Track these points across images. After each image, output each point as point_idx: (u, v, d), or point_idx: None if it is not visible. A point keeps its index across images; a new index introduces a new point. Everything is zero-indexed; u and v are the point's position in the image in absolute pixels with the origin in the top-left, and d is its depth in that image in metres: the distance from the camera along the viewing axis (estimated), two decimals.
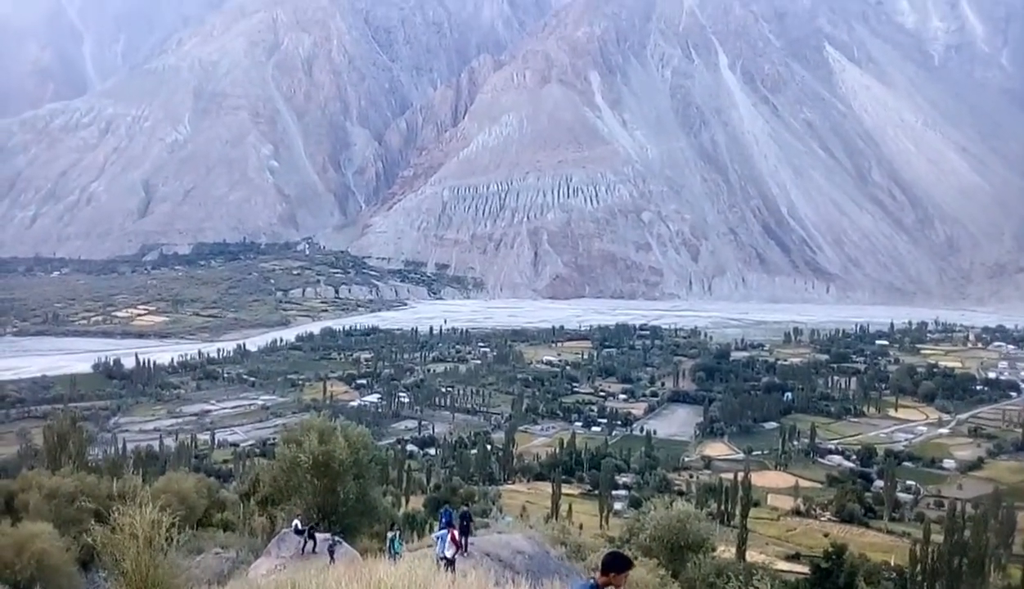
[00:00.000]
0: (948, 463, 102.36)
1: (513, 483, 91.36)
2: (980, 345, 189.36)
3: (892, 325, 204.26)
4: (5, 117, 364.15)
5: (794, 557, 64.00)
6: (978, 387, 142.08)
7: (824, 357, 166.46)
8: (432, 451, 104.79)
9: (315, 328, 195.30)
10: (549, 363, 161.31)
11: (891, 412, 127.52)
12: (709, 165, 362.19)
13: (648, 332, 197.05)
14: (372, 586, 10.73)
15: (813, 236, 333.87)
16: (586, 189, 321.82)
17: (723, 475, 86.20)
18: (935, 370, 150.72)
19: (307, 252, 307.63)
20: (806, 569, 48.63)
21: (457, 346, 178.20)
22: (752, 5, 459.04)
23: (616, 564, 6.68)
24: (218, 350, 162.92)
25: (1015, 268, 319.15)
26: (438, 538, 15.46)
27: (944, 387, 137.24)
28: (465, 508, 19.98)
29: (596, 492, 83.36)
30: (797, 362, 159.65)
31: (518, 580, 13.18)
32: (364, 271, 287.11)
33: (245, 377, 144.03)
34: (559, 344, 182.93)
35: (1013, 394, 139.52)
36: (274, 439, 76.40)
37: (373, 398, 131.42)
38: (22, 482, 24.34)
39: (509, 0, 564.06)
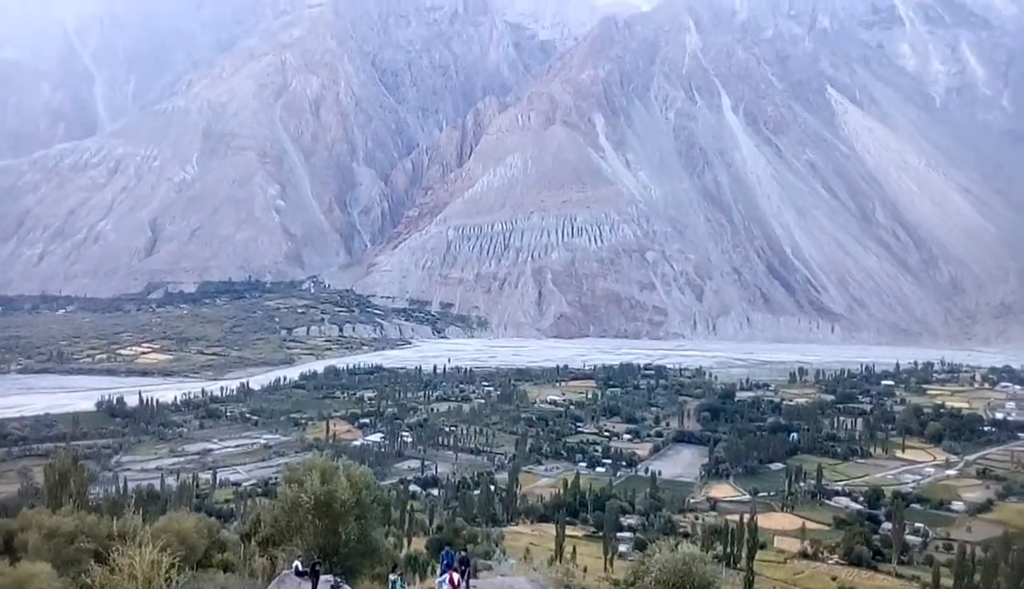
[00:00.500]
0: (957, 505, 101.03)
1: (517, 524, 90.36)
2: (987, 386, 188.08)
3: (898, 365, 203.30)
4: (17, 157, 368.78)
5: None
6: (986, 428, 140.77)
7: (830, 397, 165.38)
8: (435, 491, 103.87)
9: (319, 367, 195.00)
10: (553, 403, 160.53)
11: (898, 453, 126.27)
12: (713, 205, 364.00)
13: (653, 372, 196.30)
14: None
15: (817, 276, 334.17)
16: (590, 229, 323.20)
17: (729, 517, 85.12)
18: (942, 411, 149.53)
19: (312, 291, 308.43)
20: None
21: (461, 385, 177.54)
22: (754, 49, 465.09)
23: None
24: (222, 388, 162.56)
25: (1021, 308, 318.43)
26: (440, 583, 15.39)
27: (951, 428, 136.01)
28: (464, 553, 19.77)
29: (600, 534, 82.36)
30: (803, 402, 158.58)
31: None
32: (369, 310, 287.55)
33: (248, 416, 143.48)
34: (563, 383, 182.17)
35: (1021, 435, 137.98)
36: (276, 478, 75.97)
37: (376, 437, 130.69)
38: (22, 521, 24.14)
39: (514, 44, 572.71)
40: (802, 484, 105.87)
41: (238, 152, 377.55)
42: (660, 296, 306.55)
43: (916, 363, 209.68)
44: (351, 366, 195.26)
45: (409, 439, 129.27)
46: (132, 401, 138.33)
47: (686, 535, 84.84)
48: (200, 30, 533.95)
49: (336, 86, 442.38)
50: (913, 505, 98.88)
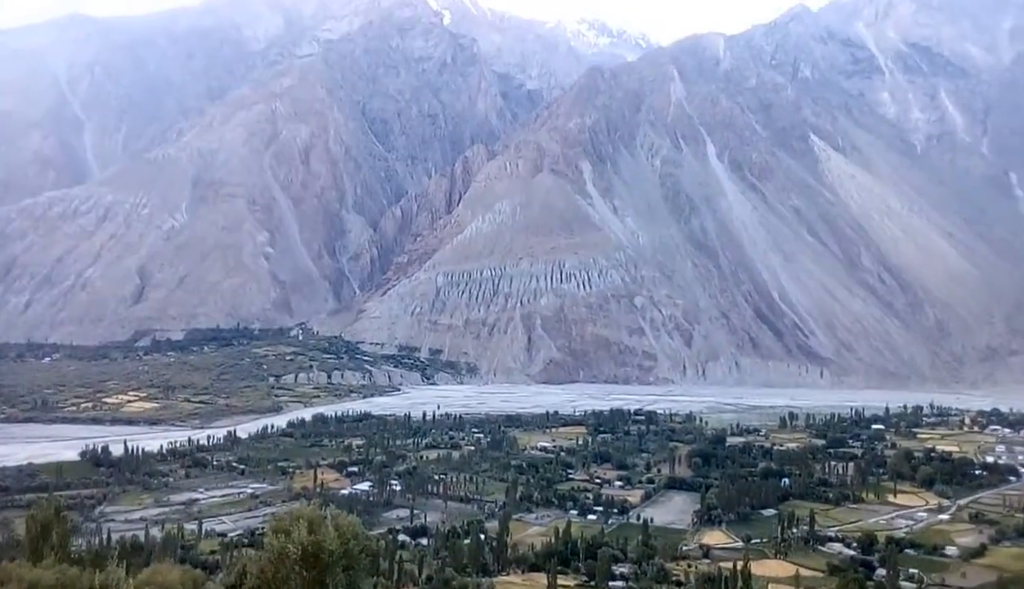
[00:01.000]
0: (950, 550, 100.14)
1: (508, 574, 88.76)
2: (976, 429, 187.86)
3: (887, 409, 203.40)
4: (5, 204, 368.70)
5: None
6: (977, 471, 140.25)
7: (820, 442, 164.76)
8: (424, 541, 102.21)
9: (307, 414, 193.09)
10: (543, 449, 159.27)
11: (890, 497, 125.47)
12: (699, 251, 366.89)
13: (643, 417, 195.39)
14: None
15: (805, 320, 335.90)
16: (579, 274, 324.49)
17: (722, 564, 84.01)
18: (932, 454, 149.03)
19: (300, 338, 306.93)
20: None
21: (450, 432, 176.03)
22: (738, 97, 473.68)
23: None
24: (208, 437, 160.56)
25: (1007, 351, 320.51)
26: None
27: (942, 472, 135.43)
28: None
29: (592, 583, 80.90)
30: (793, 447, 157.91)
31: None
32: (357, 356, 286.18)
33: (235, 465, 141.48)
34: (553, 430, 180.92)
35: (1012, 478, 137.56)
36: (263, 528, 74.68)
37: (364, 486, 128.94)
38: (1, 574, 23.69)
39: (502, 93, 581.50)
40: (795, 530, 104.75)
41: (227, 200, 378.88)
42: (649, 341, 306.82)
43: (905, 407, 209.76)
44: (339, 413, 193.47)
45: (398, 487, 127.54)
46: (117, 450, 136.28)
47: (679, 584, 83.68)
48: (191, 79, 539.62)
49: (326, 134, 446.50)
50: (907, 550, 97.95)
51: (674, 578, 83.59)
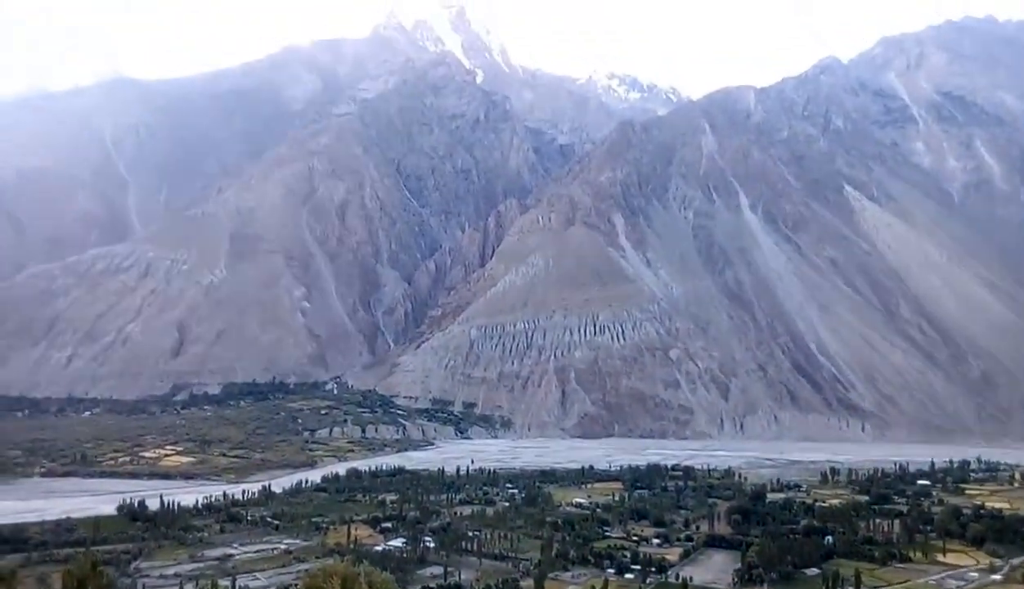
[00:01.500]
0: None
1: None
2: None
3: (933, 464, 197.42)
4: (51, 261, 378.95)
5: None
6: None
7: (864, 498, 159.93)
8: None
9: (341, 469, 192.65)
10: (579, 505, 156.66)
11: (939, 557, 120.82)
12: (734, 303, 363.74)
13: (680, 473, 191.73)
14: None
15: (844, 373, 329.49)
16: (613, 327, 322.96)
17: None
18: (982, 511, 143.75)
19: (335, 392, 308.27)
20: None
21: (484, 487, 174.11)
22: (770, 149, 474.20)
23: None
24: (243, 491, 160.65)
25: None
26: None
27: (993, 530, 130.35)
28: None
29: None
30: (836, 503, 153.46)
31: None
32: (391, 410, 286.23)
33: (269, 520, 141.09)
34: (589, 485, 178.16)
35: None
36: (296, 585, 74.10)
37: (398, 542, 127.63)
38: None
39: (534, 148, 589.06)
40: None
41: (265, 255, 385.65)
42: (685, 394, 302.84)
43: (951, 461, 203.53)
44: (373, 468, 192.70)
45: (432, 544, 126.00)
46: (153, 504, 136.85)
47: None
48: (231, 138, 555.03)
49: (361, 191, 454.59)
50: None
51: None
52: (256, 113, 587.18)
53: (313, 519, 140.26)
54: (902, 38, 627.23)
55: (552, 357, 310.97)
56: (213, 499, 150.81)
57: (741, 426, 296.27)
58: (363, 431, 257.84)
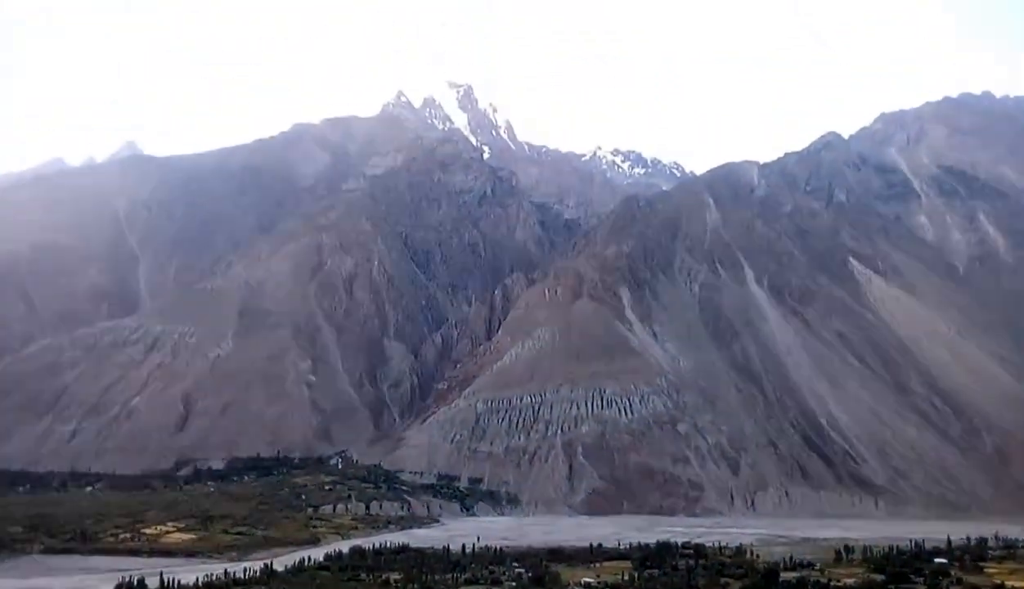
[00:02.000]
0: None
1: None
2: None
3: (949, 541, 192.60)
4: (59, 335, 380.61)
5: None
6: None
7: (880, 577, 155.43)
8: None
9: (344, 546, 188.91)
10: (588, 585, 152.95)
11: None
12: (743, 376, 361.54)
13: (691, 551, 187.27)
14: None
15: (856, 448, 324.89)
16: (620, 401, 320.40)
17: None
18: None
19: (340, 467, 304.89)
20: None
21: (490, 566, 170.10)
22: (774, 223, 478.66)
23: None
24: (245, 569, 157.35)
25: None
26: None
27: None
28: None
29: None
30: (851, 582, 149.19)
31: None
32: (396, 486, 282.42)
33: None
34: (597, 564, 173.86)
35: None
36: None
37: None
38: None
39: (540, 222, 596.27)
40: None
41: (273, 329, 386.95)
42: (695, 470, 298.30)
43: (969, 538, 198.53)
44: (377, 545, 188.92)
45: None
46: (153, 583, 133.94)
47: None
48: (241, 214, 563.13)
49: (369, 265, 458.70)
50: None
51: None
52: (267, 189, 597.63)
53: None
54: (901, 114, 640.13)
55: (559, 431, 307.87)
56: (214, 577, 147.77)
57: (752, 502, 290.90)
58: (367, 507, 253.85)
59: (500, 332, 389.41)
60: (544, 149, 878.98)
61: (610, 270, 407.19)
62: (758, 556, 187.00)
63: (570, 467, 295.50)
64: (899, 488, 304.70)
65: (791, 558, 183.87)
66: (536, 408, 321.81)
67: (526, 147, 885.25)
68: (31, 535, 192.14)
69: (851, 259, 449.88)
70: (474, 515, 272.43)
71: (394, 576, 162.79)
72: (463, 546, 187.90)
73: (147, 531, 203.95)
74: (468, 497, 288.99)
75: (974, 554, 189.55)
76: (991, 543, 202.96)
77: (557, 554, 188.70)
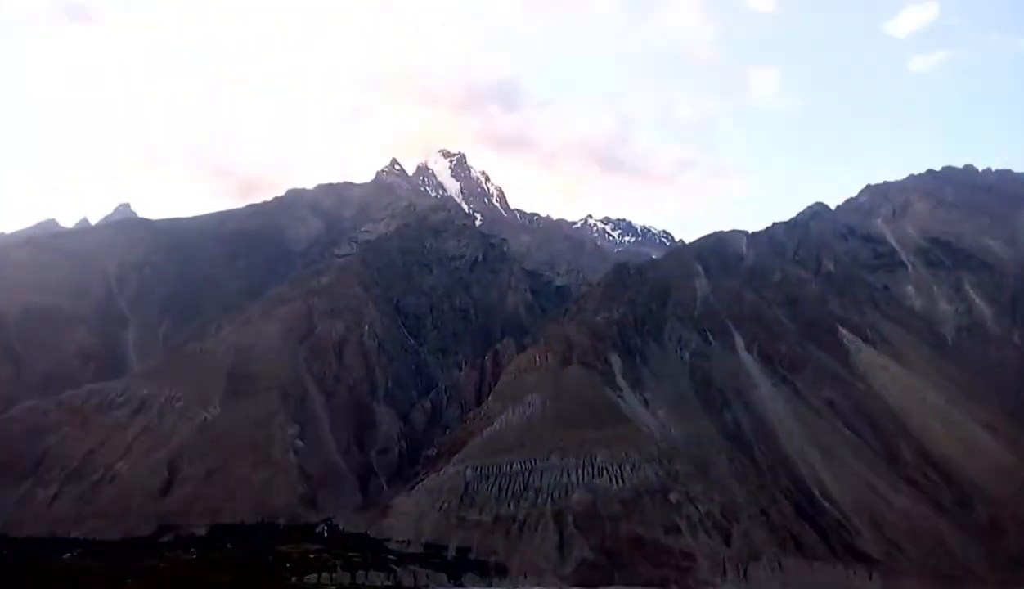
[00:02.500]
0: None
1: None
2: None
3: None
4: (45, 397, 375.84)
5: None
6: None
7: None
8: None
9: None
10: None
11: None
12: (734, 444, 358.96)
13: None
14: None
15: (849, 518, 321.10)
16: (611, 469, 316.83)
17: None
18: None
19: (326, 534, 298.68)
20: None
21: None
22: (764, 292, 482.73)
23: None
24: None
25: None
26: None
27: None
28: None
29: None
30: None
31: None
32: (382, 555, 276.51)
33: None
34: None
35: None
36: None
37: None
38: None
39: (531, 289, 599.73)
40: None
41: (261, 393, 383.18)
42: (686, 540, 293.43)
43: None
44: None
45: None
46: None
47: None
48: (233, 277, 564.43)
49: (360, 329, 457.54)
50: None
51: None
52: (259, 253, 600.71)
53: None
54: (886, 186, 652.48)
55: (549, 500, 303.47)
56: None
57: (744, 574, 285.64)
58: (353, 577, 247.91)
59: (490, 398, 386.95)
60: (536, 216, 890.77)
61: (601, 336, 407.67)
62: None
63: (560, 536, 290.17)
64: (894, 560, 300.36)
65: None
66: (526, 475, 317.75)
67: (518, 215, 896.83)
68: None
69: (840, 328, 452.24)
70: (461, 585, 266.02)
71: None
72: None
73: None
74: (456, 567, 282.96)
75: None
76: None
77: None
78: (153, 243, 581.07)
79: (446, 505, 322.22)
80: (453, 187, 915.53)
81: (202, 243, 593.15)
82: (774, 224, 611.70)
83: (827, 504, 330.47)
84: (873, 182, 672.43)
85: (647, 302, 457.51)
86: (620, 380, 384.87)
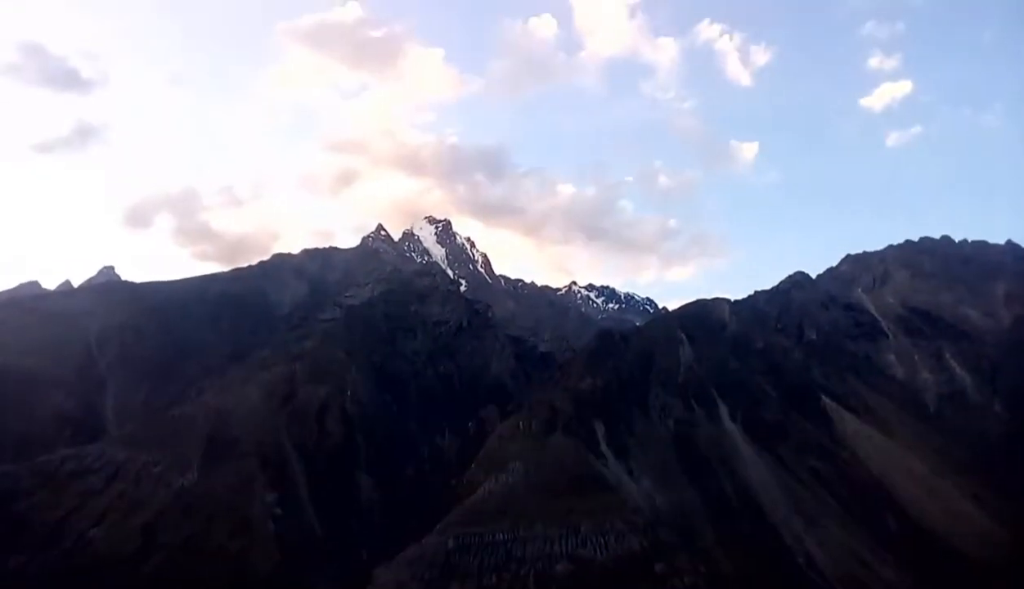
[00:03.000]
0: None
1: None
2: None
3: None
4: (19, 461, 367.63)
5: None
6: None
7: None
8: None
9: None
10: None
11: None
12: (719, 514, 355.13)
13: None
14: None
15: (835, 588, 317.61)
16: (595, 539, 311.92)
17: None
18: None
19: None
20: None
21: None
22: (747, 359, 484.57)
23: None
24: None
25: None
26: None
27: None
28: None
29: None
30: None
31: None
32: None
33: None
34: None
35: None
36: None
37: None
38: None
39: (516, 355, 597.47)
40: None
41: (241, 458, 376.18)
42: None
43: None
44: None
45: None
46: None
47: None
48: (216, 341, 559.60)
49: (342, 395, 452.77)
50: None
51: None
52: (243, 317, 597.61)
53: None
54: (866, 256, 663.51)
55: (532, 570, 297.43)
56: None
57: None
58: None
59: (473, 466, 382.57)
60: (520, 283, 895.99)
61: (585, 404, 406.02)
62: None
63: None
64: None
65: None
66: (509, 545, 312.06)
67: (503, 281, 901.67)
68: None
69: (823, 396, 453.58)
70: None
71: None
72: None
73: None
74: None
75: None
76: None
77: None
78: (136, 306, 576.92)
79: (427, 576, 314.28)
80: (439, 253, 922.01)
81: (185, 306, 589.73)
82: (756, 292, 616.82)
83: (813, 575, 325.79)
84: (853, 251, 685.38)
85: (631, 369, 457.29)
86: (604, 448, 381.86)
